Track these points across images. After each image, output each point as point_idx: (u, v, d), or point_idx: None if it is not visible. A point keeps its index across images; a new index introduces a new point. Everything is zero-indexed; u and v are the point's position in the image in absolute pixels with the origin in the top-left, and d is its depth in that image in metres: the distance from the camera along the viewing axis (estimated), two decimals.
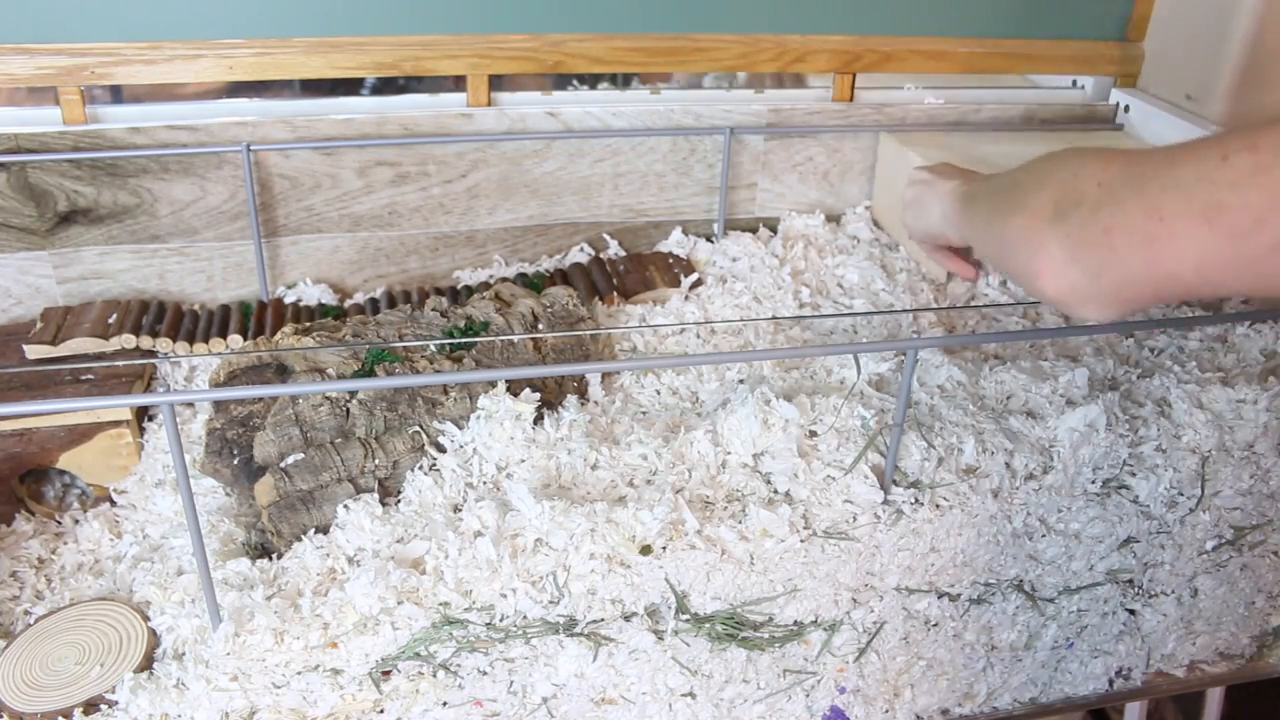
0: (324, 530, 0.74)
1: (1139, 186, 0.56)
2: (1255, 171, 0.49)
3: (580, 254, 1.14)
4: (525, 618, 0.69)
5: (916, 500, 0.74)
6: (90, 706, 0.66)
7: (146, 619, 0.72)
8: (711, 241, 1.15)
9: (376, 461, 0.76)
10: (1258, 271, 0.51)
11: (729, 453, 0.77)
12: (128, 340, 0.93)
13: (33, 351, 0.91)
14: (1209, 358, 0.93)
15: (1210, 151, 0.52)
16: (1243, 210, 0.50)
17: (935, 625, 0.81)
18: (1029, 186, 0.64)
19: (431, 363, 0.82)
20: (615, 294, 1.04)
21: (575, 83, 1.24)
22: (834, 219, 1.19)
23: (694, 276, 1.06)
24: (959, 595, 0.80)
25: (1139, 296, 0.59)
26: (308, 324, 0.90)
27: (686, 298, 1.04)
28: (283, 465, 0.75)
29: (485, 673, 0.70)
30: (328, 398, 0.77)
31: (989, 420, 0.80)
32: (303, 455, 0.75)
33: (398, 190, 1.07)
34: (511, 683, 0.72)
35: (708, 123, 1.11)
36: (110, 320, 0.95)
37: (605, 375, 0.91)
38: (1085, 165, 0.61)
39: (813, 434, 0.78)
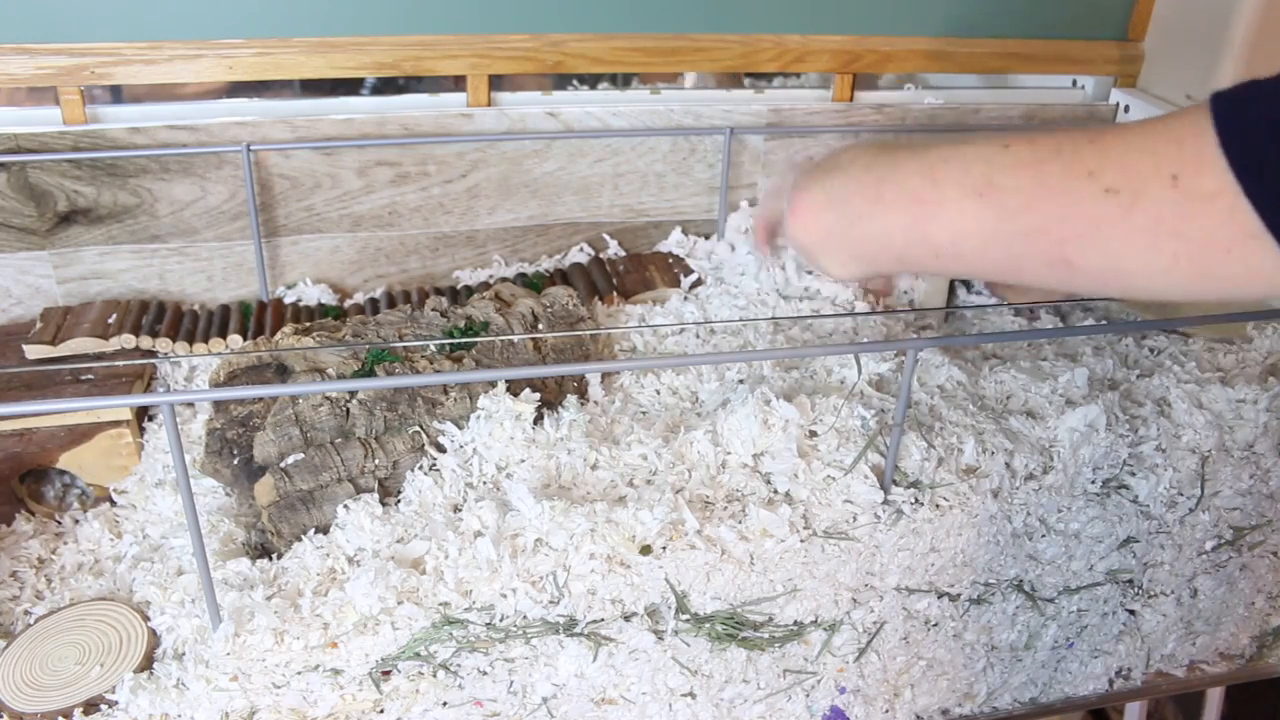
0: (324, 530, 0.74)
1: (919, 154, 0.59)
2: (1031, 162, 0.53)
3: (580, 254, 1.14)
4: (525, 618, 0.69)
5: (916, 500, 0.74)
6: (90, 706, 0.66)
7: (146, 619, 0.72)
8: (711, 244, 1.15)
9: (376, 461, 0.76)
10: (1009, 251, 0.55)
11: (729, 453, 0.77)
12: (128, 340, 0.93)
13: (33, 351, 0.91)
14: (1209, 358, 0.93)
15: (993, 140, 0.56)
16: (1014, 192, 0.53)
17: (935, 625, 0.81)
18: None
19: (431, 363, 0.82)
20: (615, 294, 1.04)
21: (575, 83, 1.24)
22: None
23: (694, 276, 1.06)
24: (959, 595, 0.80)
25: (882, 255, 0.61)
26: (308, 324, 0.90)
27: (686, 298, 1.04)
28: (283, 465, 0.75)
29: (485, 673, 0.70)
30: (328, 398, 0.77)
31: (989, 420, 0.80)
32: (303, 455, 0.75)
33: (398, 190, 1.07)
34: (511, 683, 0.72)
35: (708, 123, 1.11)
36: (110, 320, 0.95)
37: (605, 375, 0.91)
38: (869, 147, 0.63)
39: (813, 434, 0.78)
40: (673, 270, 1.08)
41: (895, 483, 0.75)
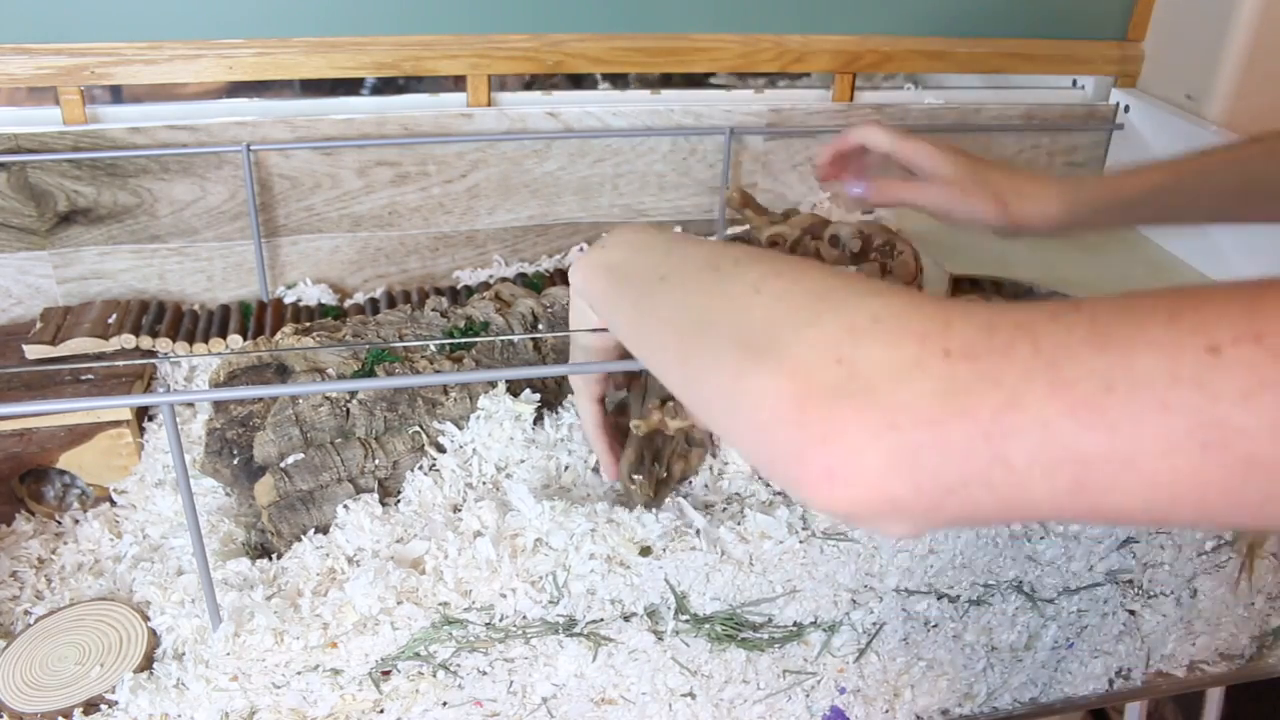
0: (324, 530, 0.74)
1: (1053, 356, 0.33)
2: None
3: (580, 254, 1.14)
4: (525, 618, 0.69)
5: None
6: (90, 706, 0.66)
7: (146, 619, 0.72)
8: None
9: (376, 461, 0.76)
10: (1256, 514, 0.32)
11: (726, 462, 0.77)
12: (128, 340, 0.93)
13: (33, 351, 0.91)
14: None
15: (1186, 335, 0.31)
16: (1261, 435, 0.29)
17: (935, 626, 0.81)
18: (775, 310, 0.40)
19: (431, 363, 0.82)
20: None
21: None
22: None
23: None
24: (958, 597, 0.80)
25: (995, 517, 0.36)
26: (308, 324, 0.90)
27: None
28: (283, 465, 0.75)
29: (485, 673, 0.71)
30: (328, 398, 0.77)
31: None
32: (303, 455, 0.75)
33: (398, 190, 1.07)
34: (511, 683, 0.72)
35: (708, 123, 1.11)
36: (110, 320, 0.95)
37: None
38: (886, 302, 0.37)
39: None
40: None
41: None
